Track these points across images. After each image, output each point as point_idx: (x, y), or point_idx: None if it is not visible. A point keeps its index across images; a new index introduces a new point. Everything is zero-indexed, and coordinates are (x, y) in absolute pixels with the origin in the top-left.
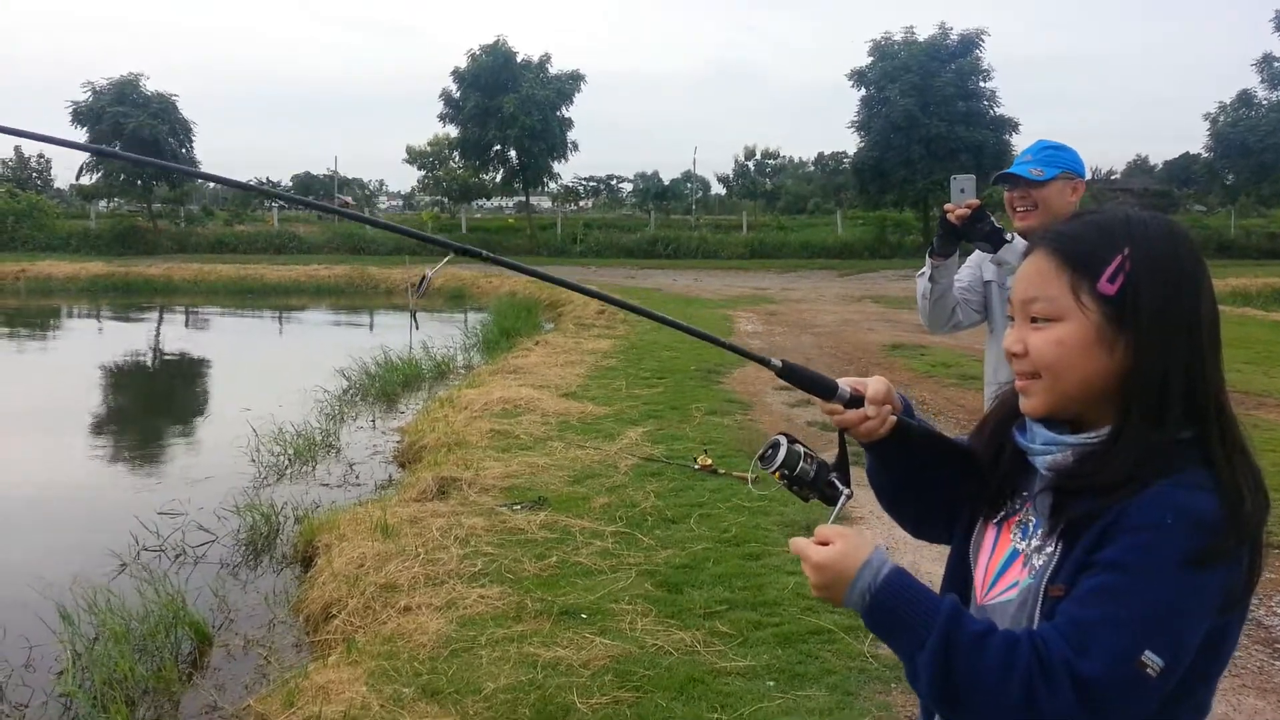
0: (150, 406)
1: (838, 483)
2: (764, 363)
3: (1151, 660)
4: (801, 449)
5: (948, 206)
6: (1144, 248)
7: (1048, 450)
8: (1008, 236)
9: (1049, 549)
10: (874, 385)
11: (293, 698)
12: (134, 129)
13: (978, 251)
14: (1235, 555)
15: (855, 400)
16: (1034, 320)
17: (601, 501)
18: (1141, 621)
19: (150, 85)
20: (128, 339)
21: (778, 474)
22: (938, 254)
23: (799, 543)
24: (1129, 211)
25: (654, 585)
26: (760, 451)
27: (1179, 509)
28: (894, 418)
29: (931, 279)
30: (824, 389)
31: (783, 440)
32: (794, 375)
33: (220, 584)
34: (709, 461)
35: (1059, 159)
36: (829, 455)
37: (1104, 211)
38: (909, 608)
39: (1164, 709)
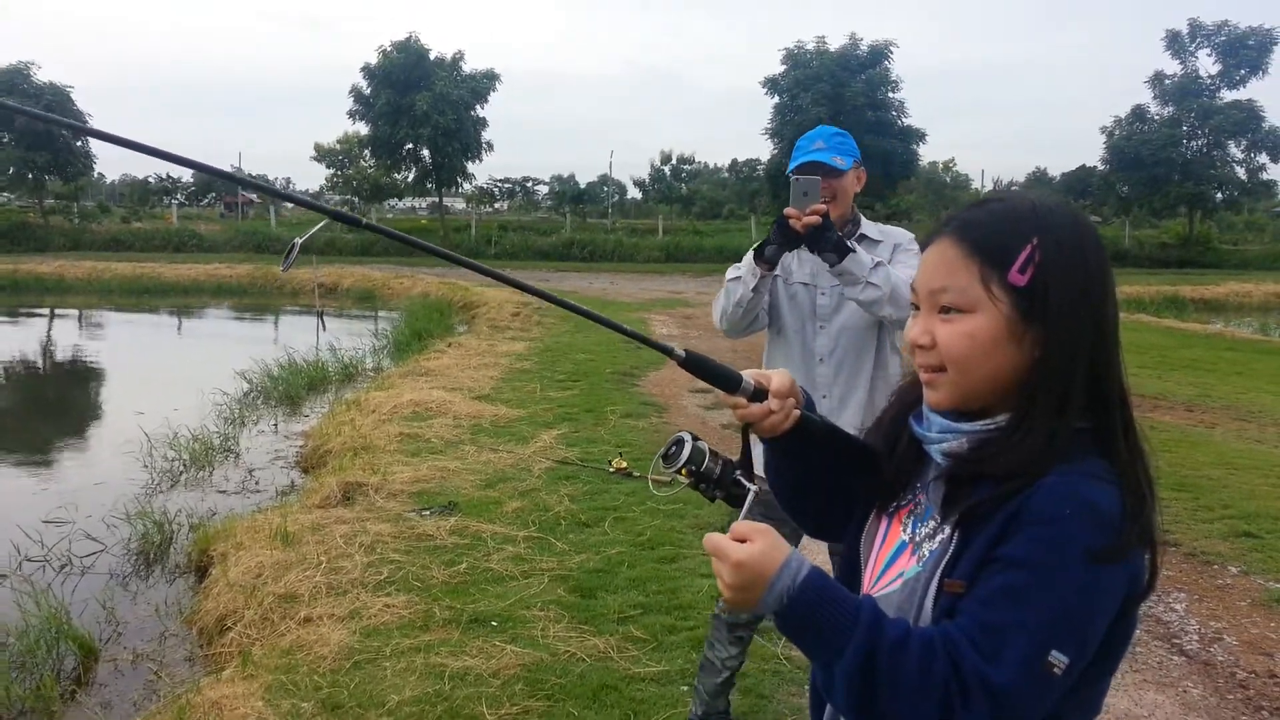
0: (38, 411)
1: (743, 480)
2: (668, 352)
3: (1058, 659)
4: (706, 446)
5: (789, 212)
6: (1052, 237)
7: (944, 438)
8: (853, 247)
9: (941, 537)
10: (778, 379)
11: (184, 714)
12: (25, 122)
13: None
14: (1137, 550)
15: (759, 393)
16: (944, 310)
17: (514, 506)
18: (1049, 622)
19: (42, 75)
20: (15, 340)
21: (684, 471)
22: (767, 262)
23: (715, 539)
24: (1034, 199)
25: (567, 591)
26: (663, 450)
27: (1079, 501)
28: (797, 412)
29: (756, 289)
30: (728, 381)
31: (686, 437)
32: (698, 366)
33: (109, 596)
34: (624, 464)
35: (850, 147)
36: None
37: (1008, 199)
38: (827, 612)
39: (1062, 703)
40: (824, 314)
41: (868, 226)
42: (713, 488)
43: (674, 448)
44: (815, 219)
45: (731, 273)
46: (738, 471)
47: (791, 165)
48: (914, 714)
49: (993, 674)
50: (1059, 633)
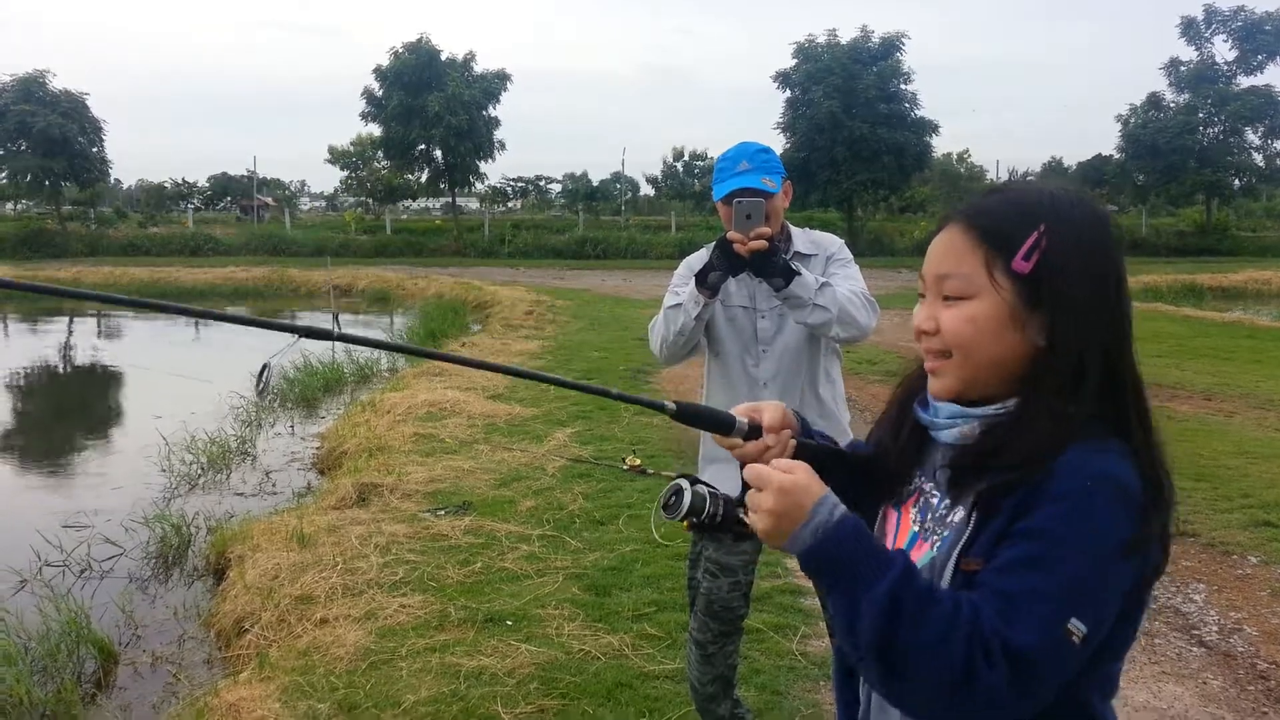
0: (56, 415)
1: (745, 518)
2: (659, 408)
3: (1076, 627)
4: (705, 489)
5: (733, 236)
6: (1061, 225)
7: (954, 423)
8: (799, 270)
9: (955, 520)
10: (769, 413)
11: (202, 717)
12: (42, 128)
13: (691, 263)
14: (1153, 529)
15: (754, 430)
16: (947, 298)
17: (528, 504)
18: (1067, 590)
19: (57, 83)
20: (34, 345)
21: (685, 522)
22: (710, 289)
23: (758, 467)
24: (1050, 188)
25: (581, 589)
26: (662, 500)
27: (1099, 475)
28: (794, 442)
29: (698, 317)
30: (721, 425)
31: (684, 484)
32: (690, 417)
33: (127, 599)
34: (638, 462)
35: (776, 163)
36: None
37: (1025, 188)
38: (860, 552)
39: (1076, 682)
40: (765, 338)
41: (799, 239)
42: (717, 530)
43: (673, 497)
44: (761, 243)
45: (670, 299)
46: (739, 509)
47: (717, 189)
48: (937, 665)
49: (1013, 636)
50: (1078, 601)
